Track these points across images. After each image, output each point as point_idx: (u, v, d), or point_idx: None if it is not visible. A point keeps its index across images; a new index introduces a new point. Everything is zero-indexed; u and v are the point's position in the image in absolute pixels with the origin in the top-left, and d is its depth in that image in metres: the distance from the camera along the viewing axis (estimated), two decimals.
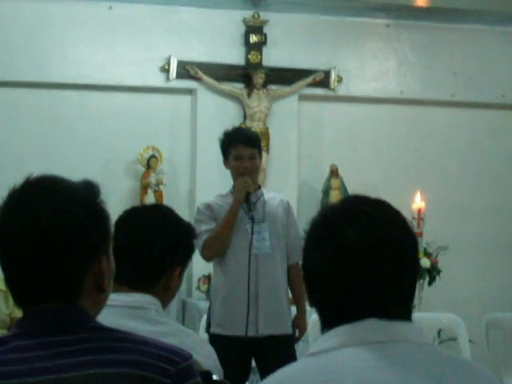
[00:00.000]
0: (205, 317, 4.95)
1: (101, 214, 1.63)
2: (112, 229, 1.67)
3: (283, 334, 4.57)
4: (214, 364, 2.41)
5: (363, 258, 1.52)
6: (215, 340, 4.50)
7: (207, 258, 4.68)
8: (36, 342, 1.54)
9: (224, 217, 4.56)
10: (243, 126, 6.97)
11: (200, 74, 7.13)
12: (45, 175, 1.62)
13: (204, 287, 6.93)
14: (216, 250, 4.59)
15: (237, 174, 4.62)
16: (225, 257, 4.59)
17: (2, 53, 6.81)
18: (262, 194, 4.70)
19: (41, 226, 1.55)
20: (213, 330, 4.58)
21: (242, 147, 4.57)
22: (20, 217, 1.56)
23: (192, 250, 2.54)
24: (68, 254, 1.57)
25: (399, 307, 1.54)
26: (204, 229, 4.57)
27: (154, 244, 2.45)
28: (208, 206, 4.66)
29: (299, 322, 4.66)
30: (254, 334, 4.51)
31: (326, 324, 1.55)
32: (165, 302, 2.47)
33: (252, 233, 4.52)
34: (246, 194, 4.55)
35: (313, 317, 4.83)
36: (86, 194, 1.62)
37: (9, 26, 6.84)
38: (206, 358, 2.36)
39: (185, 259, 2.52)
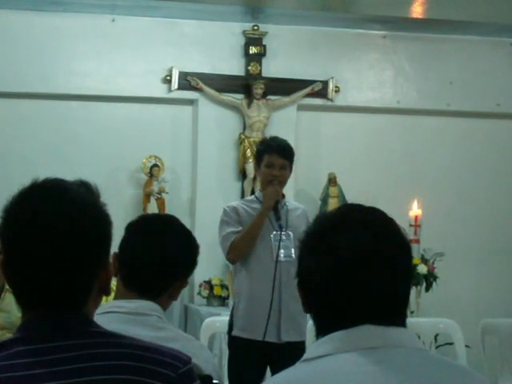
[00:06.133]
0: (207, 320, 5.03)
1: (108, 221, 1.62)
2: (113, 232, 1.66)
3: (300, 340, 4.62)
4: (213, 368, 2.47)
5: (357, 266, 1.52)
6: (236, 342, 4.62)
7: (232, 259, 4.71)
8: (36, 348, 1.53)
9: (252, 220, 4.61)
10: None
11: (201, 84, 7.18)
12: (52, 180, 1.62)
13: (205, 293, 6.97)
14: (241, 253, 4.62)
15: (266, 182, 4.68)
16: (249, 262, 4.64)
17: (9, 65, 6.87)
18: (285, 203, 4.76)
19: (57, 233, 1.54)
20: (235, 332, 4.63)
21: (275, 156, 4.63)
22: (35, 222, 1.54)
23: (196, 265, 2.63)
24: (81, 261, 1.56)
25: (393, 313, 1.54)
26: (230, 230, 4.63)
27: (169, 257, 2.52)
28: (234, 209, 4.70)
29: None
30: (276, 340, 4.57)
31: (321, 330, 1.56)
32: (165, 306, 2.56)
33: (280, 240, 4.57)
34: (275, 202, 4.62)
35: (310, 323, 4.90)
36: (93, 201, 1.61)
37: (15, 39, 6.89)
38: (206, 362, 2.42)
39: (190, 273, 2.63)
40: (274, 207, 4.62)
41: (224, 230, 4.67)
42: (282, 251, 4.59)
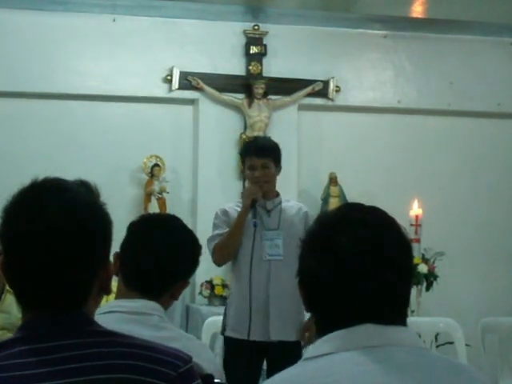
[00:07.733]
0: (209, 320, 5.02)
1: (108, 220, 1.63)
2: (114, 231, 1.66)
3: (294, 340, 4.59)
4: (215, 368, 2.48)
5: (357, 264, 1.53)
6: (229, 343, 4.63)
7: (217, 261, 4.73)
8: (36, 348, 1.53)
9: (232, 223, 4.64)
10: (245, 134, 7.10)
11: (202, 84, 7.19)
12: (51, 179, 1.63)
13: (206, 293, 6.99)
14: (224, 255, 4.65)
15: (250, 184, 4.72)
16: (237, 262, 4.65)
17: (9, 64, 6.88)
18: (280, 202, 4.75)
19: (57, 233, 1.54)
20: (227, 333, 4.65)
21: (254, 158, 4.64)
22: (35, 222, 1.54)
23: (198, 265, 2.63)
24: (81, 260, 1.56)
25: (394, 312, 1.55)
26: (216, 233, 4.66)
27: (170, 257, 2.52)
28: (225, 212, 4.72)
29: (310, 327, 4.54)
30: (266, 339, 4.56)
31: (322, 329, 1.56)
32: (167, 306, 2.56)
33: (254, 239, 4.58)
34: (252, 201, 4.61)
35: None
36: (93, 200, 1.62)
37: (15, 38, 6.90)
38: (208, 362, 2.43)
39: (192, 273, 2.63)
40: (251, 206, 4.62)
41: (211, 233, 4.70)
42: (268, 250, 4.58)
